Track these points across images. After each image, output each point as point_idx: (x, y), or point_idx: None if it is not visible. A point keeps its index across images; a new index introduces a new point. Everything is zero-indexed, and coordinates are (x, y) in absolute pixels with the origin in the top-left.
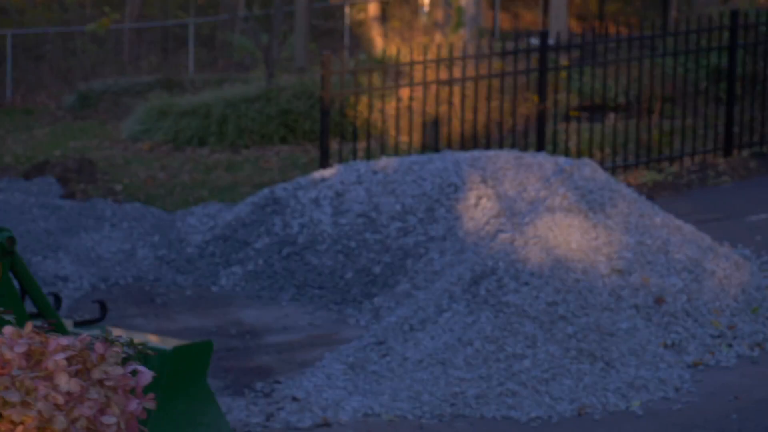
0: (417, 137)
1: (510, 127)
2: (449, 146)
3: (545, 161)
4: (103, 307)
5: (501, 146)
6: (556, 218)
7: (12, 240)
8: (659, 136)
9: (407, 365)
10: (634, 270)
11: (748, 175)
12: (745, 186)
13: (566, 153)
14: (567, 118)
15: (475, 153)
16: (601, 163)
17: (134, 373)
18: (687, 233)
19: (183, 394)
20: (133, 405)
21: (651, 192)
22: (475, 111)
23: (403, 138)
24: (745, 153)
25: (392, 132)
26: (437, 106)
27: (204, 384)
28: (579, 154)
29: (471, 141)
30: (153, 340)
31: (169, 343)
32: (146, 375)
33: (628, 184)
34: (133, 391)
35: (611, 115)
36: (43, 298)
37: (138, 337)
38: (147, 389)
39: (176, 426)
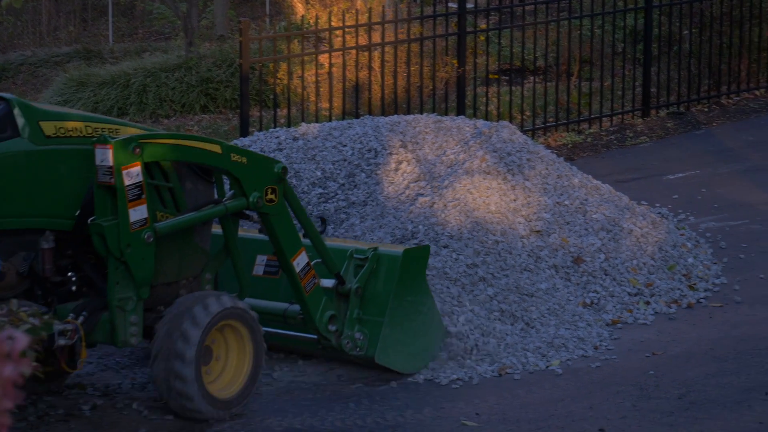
0: (337, 103)
1: (430, 92)
2: (370, 112)
3: (464, 125)
4: (323, 221)
5: (421, 111)
6: (474, 181)
7: (286, 169)
8: (578, 98)
9: None
10: (553, 231)
11: (666, 135)
12: (663, 146)
13: (486, 116)
14: (487, 82)
15: (395, 118)
16: (521, 126)
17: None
18: (605, 193)
19: (410, 287)
20: (8, 370)
21: (570, 153)
22: (395, 76)
23: (324, 105)
24: (663, 113)
25: (312, 99)
26: (357, 72)
27: (424, 280)
28: (499, 118)
29: (391, 106)
30: (382, 247)
31: (398, 248)
32: (21, 340)
33: (548, 146)
34: (9, 356)
35: (531, 78)
36: (308, 220)
37: (365, 245)
38: (383, 278)
39: (405, 312)
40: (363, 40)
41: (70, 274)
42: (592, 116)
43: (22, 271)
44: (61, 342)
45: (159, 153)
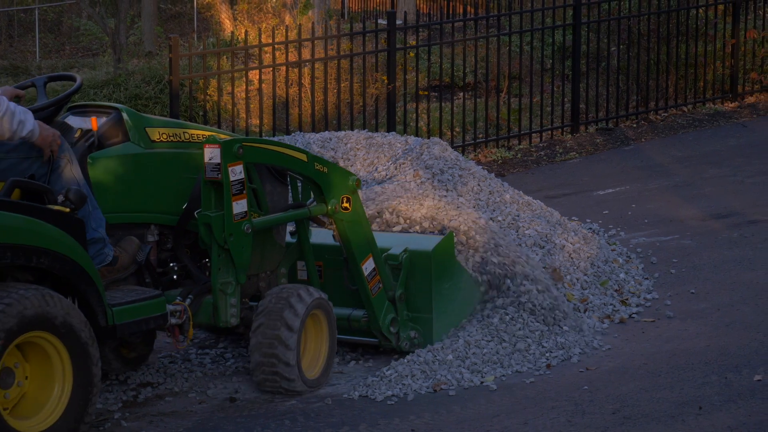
0: (268, 120)
1: (360, 108)
2: (300, 128)
3: (396, 141)
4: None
5: (352, 127)
6: (409, 197)
7: (359, 181)
8: (507, 114)
9: None
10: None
11: (595, 151)
12: (592, 161)
13: (416, 132)
14: (416, 98)
15: (326, 134)
16: (451, 142)
17: None
18: (536, 209)
19: (445, 275)
20: None
21: (500, 169)
22: (326, 92)
23: (254, 121)
24: (592, 129)
25: (243, 115)
26: (287, 88)
27: (455, 262)
28: (429, 134)
29: (322, 122)
30: (411, 243)
31: (428, 243)
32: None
33: (478, 162)
34: None
35: (460, 94)
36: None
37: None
38: (420, 277)
39: (447, 298)
40: (293, 57)
41: (172, 264)
42: (522, 132)
43: (140, 260)
44: (173, 321)
45: (257, 155)
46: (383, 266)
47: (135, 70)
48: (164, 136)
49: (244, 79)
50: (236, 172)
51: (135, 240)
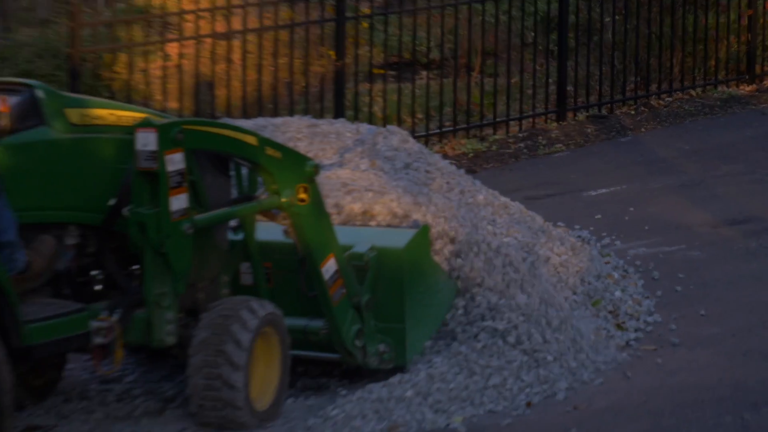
0: (189, 103)
1: (302, 89)
2: (228, 113)
3: (345, 129)
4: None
5: (291, 112)
6: (365, 185)
7: (318, 168)
8: (480, 98)
9: None
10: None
11: (586, 143)
12: (582, 155)
13: (370, 119)
14: (370, 78)
15: (260, 120)
16: (412, 131)
17: None
18: (515, 213)
19: (420, 277)
20: None
21: (472, 164)
22: (260, 70)
23: (172, 104)
24: (582, 116)
25: (158, 97)
26: (213, 65)
27: (430, 259)
28: (386, 121)
29: (255, 106)
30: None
31: (398, 239)
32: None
33: (445, 156)
34: None
35: (423, 74)
36: (330, 226)
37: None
38: (391, 280)
39: (422, 303)
40: (221, 27)
41: (96, 271)
42: (498, 120)
43: (60, 267)
44: (98, 340)
45: (200, 140)
46: (346, 268)
47: (26, 42)
48: (87, 119)
49: (160, 53)
50: (175, 161)
51: (51, 241)
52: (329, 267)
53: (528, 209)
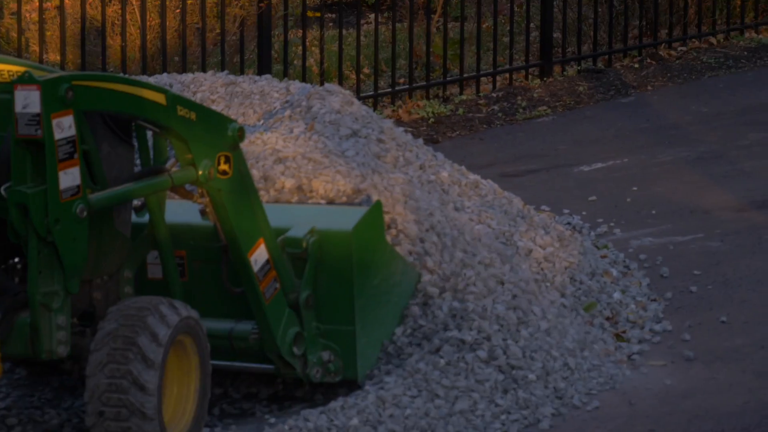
0: (74, 55)
1: (217, 38)
2: (124, 68)
3: (271, 88)
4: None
5: (203, 68)
6: (300, 152)
7: (242, 131)
8: (444, 49)
9: None
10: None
11: (577, 105)
12: (573, 120)
13: (303, 76)
14: (303, 22)
15: (164, 77)
16: (357, 91)
17: None
18: (487, 194)
19: (373, 265)
20: None
21: (433, 132)
22: (164, 13)
23: (53, 56)
24: (571, 71)
25: (35, 48)
26: (104, 7)
27: (384, 243)
28: (323, 78)
29: (158, 59)
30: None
31: (345, 219)
32: None
33: (398, 122)
34: None
35: (370, 17)
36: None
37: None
38: (337, 271)
39: (376, 300)
40: None
41: None
42: (466, 76)
43: None
44: None
45: (95, 99)
46: (280, 256)
47: None
48: None
49: None
50: (64, 126)
51: None
52: (259, 256)
53: (504, 189)
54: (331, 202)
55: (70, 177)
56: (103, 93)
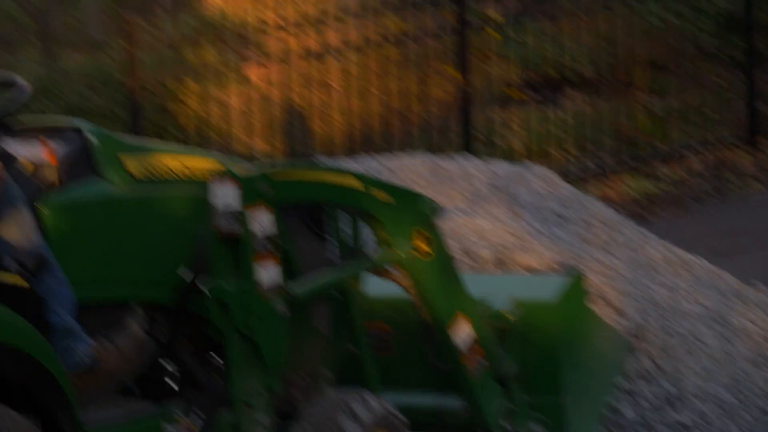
0: (278, 140)
1: (420, 119)
2: (328, 152)
3: (474, 169)
4: None
5: (408, 149)
6: (503, 230)
7: (438, 207)
8: (648, 125)
9: None
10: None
11: None
12: None
13: (507, 155)
14: (505, 101)
15: (368, 161)
16: (562, 170)
17: None
18: (699, 271)
19: (578, 336)
20: None
21: (641, 210)
22: (365, 96)
23: (258, 142)
24: None
25: (240, 133)
26: (306, 92)
27: (588, 312)
28: (528, 157)
29: (361, 142)
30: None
31: (548, 289)
32: None
33: (605, 200)
34: None
35: (574, 95)
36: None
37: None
38: (543, 342)
39: (583, 371)
40: (315, 44)
41: (167, 362)
42: (673, 152)
43: (141, 363)
44: None
45: (292, 191)
46: (485, 331)
47: (75, 71)
48: (150, 169)
49: (241, 78)
50: (263, 221)
51: (136, 332)
52: (463, 332)
53: (716, 267)
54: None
55: (269, 272)
56: (300, 184)
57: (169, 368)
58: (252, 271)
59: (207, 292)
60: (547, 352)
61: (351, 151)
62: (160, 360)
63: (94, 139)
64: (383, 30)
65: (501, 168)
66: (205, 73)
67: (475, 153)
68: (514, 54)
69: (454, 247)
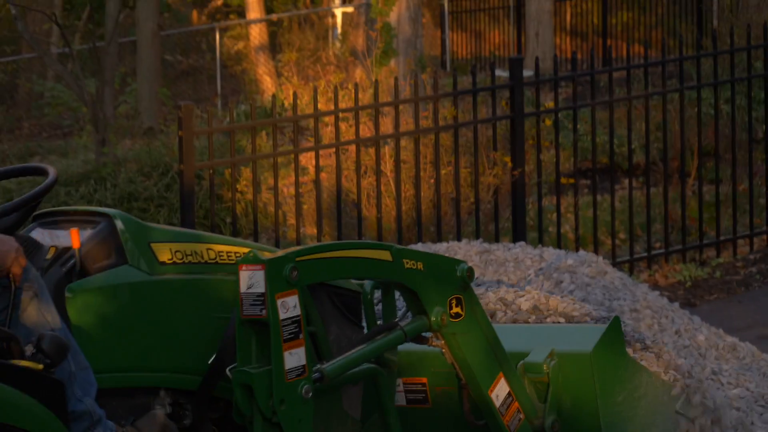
0: (330, 227)
1: (472, 206)
2: (379, 239)
3: (525, 255)
4: None
5: (459, 236)
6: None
7: (472, 271)
8: (699, 211)
9: None
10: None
11: None
12: None
13: (558, 243)
14: (557, 189)
15: (420, 247)
16: (612, 256)
17: None
18: (746, 356)
19: (615, 382)
20: None
21: (689, 295)
22: (418, 183)
23: (309, 230)
24: None
25: (292, 221)
26: (359, 179)
27: (625, 358)
28: (578, 244)
29: (412, 229)
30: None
31: (584, 338)
32: None
33: (654, 285)
34: None
35: (625, 182)
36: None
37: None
38: (580, 391)
39: (622, 417)
40: (367, 131)
41: None
42: (722, 239)
43: None
44: None
45: (319, 271)
46: (521, 385)
47: (128, 157)
48: (178, 255)
49: (292, 165)
50: (289, 305)
51: (159, 417)
52: (500, 390)
53: (763, 352)
54: (569, 321)
55: (295, 357)
56: (328, 262)
57: None
58: (276, 355)
59: (231, 376)
60: (584, 402)
61: (401, 237)
62: None
63: (122, 226)
64: (437, 117)
65: (550, 254)
66: (257, 160)
67: (527, 240)
68: (567, 142)
69: (491, 298)
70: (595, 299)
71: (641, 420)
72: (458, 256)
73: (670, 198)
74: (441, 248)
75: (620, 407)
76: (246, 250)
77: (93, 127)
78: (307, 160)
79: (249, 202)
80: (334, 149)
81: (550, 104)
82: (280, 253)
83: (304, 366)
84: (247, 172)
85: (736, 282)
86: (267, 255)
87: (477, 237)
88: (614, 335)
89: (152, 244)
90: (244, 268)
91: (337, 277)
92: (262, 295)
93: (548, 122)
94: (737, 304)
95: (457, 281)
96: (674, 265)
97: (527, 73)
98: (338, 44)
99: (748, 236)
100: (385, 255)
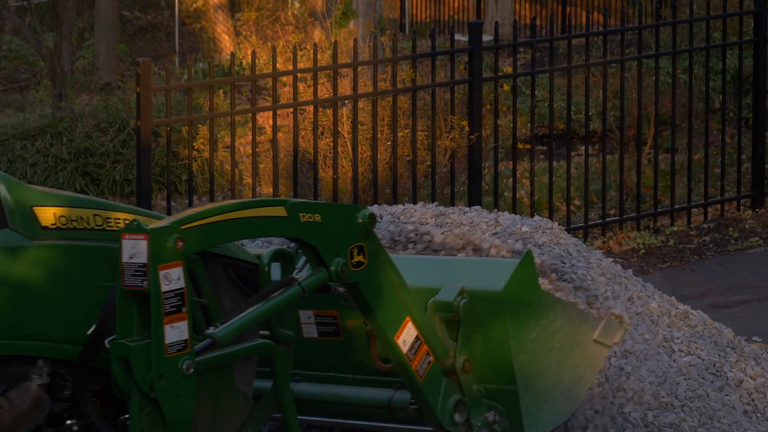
0: (286, 187)
1: (428, 170)
2: (335, 200)
3: (480, 219)
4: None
5: (414, 199)
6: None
7: (373, 217)
8: (654, 179)
9: None
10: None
11: None
12: None
13: (513, 207)
14: (514, 154)
15: (375, 209)
16: (567, 222)
17: None
18: (697, 324)
19: (529, 320)
20: None
21: (643, 263)
22: (375, 145)
23: (266, 189)
24: None
25: (248, 180)
26: (316, 140)
27: (540, 294)
28: (533, 209)
29: (369, 191)
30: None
31: (496, 275)
32: None
33: (608, 252)
34: None
35: (581, 149)
36: (401, 280)
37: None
38: (492, 329)
39: (537, 356)
40: (325, 92)
41: (72, 421)
42: (676, 207)
43: (37, 421)
44: None
45: (208, 237)
46: (430, 326)
47: (85, 112)
48: (62, 220)
49: (249, 124)
50: (172, 277)
51: (32, 389)
52: (407, 336)
53: (714, 320)
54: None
55: (177, 331)
56: (217, 226)
57: (74, 426)
58: (156, 328)
59: (110, 349)
60: (496, 340)
61: (357, 198)
62: (65, 418)
63: (4, 189)
64: (395, 80)
65: (505, 219)
66: (215, 118)
67: (482, 205)
68: (525, 107)
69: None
70: (547, 263)
71: (557, 354)
72: (413, 218)
73: (626, 166)
74: (397, 210)
75: (534, 343)
76: (138, 217)
77: (50, 82)
78: (264, 119)
79: (205, 160)
80: (291, 109)
81: (509, 69)
82: (165, 221)
83: (186, 341)
84: (204, 130)
85: (690, 250)
86: (153, 224)
87: (433, 200)
88: (527, 270)
89: (35, 208)
90: (126, 237)
91: (228, 240)
92: (144, 266)
93: (506, 87)
94: (690, 273)
95: (359, 228)
96: (628, 233)
97: (486, 38)
98: (297, 5)
99: (702, 205)
100: (280, 211)
